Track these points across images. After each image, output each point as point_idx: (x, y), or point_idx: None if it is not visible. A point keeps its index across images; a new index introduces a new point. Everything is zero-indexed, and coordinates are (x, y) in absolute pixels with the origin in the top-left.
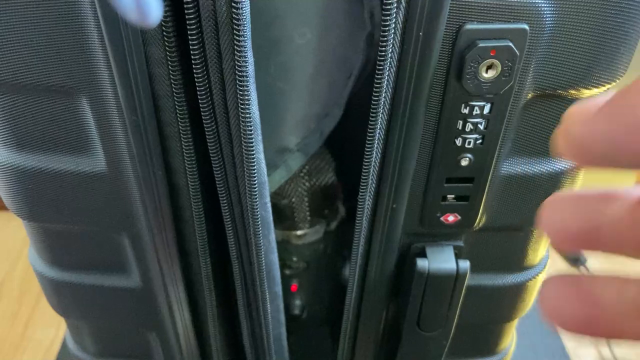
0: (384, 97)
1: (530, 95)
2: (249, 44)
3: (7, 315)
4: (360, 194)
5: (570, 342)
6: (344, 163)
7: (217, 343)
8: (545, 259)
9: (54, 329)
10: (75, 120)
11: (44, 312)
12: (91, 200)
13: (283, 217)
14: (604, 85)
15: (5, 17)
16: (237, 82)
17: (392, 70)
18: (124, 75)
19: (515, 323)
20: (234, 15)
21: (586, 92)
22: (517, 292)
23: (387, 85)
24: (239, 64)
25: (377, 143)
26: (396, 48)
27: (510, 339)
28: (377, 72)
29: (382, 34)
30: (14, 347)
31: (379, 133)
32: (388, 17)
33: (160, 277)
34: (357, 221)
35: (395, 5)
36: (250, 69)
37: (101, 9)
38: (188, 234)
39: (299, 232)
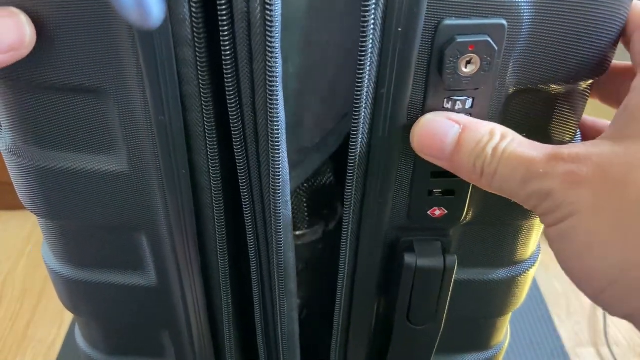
0: (366, 93)
1: (511, 90)
2: (279, 45)
3: (8, 315)
4: (347, 188)
5: (570, 342)
6: (343, 163)
7: (231, 342)
8: (536, 253)
9: (55, 328)
10: (99, 120)
11: (46, 311)
12: (112, 199)
13: None
14: (586, 80)
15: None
16: (268, 82)
17: (373, 66)
18: (153, 75)
19: (508, 318)
20: (267, 17)
21: (568, 87)
22: (508, 287)
23: (369, 81)
24: (269, 64)
25: (362, 138)
26: (376, 44)
27: (504, 334)
28: (358, 67)
29: (361, 29)
30: (16, 346)
31: (362, 128)
32: (367, 13)
33: (177, 275)
34: (345, 216)
35: (374, 1)
36: (280, 70)
37: None
38: (207, 232)
39: (297, 233)
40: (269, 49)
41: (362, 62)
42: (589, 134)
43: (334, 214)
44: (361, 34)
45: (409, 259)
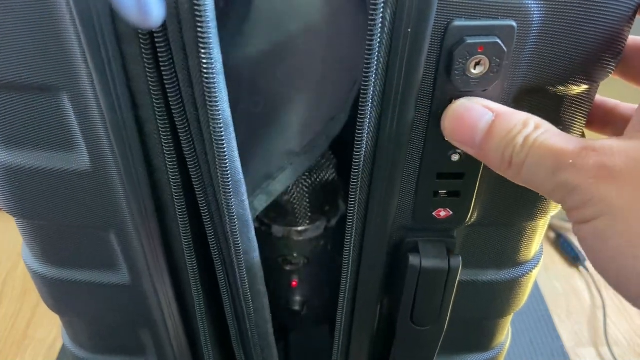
0: (373, 92)
1: (520, 91)
2: (214, 40)
3: (9, 314)
4: (352, 189)
5: (570, 342)
6: (345, 160)
7: (207, 339)
8: (539, 254)
9: (55, 328)
10: (57, 118)
11: (46, 311)
12: (77, 197)
13: (284, 213)
14: (595, 82)
15: None
16: (204, 80)
17: (380, 65)
18: (101, 72)
19: (510, 319)
20: (196, 12)
21: (575, 89)
22: (511, 288)
23: (375, 80)
24: (204, 61)
25: (367, 138)
26: (384, 43)
27: (506, 335)
28: (365, 67)
29: (369, 29)
30: (16, 345)
31: (368, 128)
32: (375, 13)
33: (148, 273)
34: (349, 217)
35: (383, 1)
36: (218, 66)
37: (76, 5)
38: (173, 230)
39: (299, 229)
40: (202, 45)
41: (369, 62)
42: (610, 118)
43: (336, 210)
44: (369, 34)
45: (413, 259)
